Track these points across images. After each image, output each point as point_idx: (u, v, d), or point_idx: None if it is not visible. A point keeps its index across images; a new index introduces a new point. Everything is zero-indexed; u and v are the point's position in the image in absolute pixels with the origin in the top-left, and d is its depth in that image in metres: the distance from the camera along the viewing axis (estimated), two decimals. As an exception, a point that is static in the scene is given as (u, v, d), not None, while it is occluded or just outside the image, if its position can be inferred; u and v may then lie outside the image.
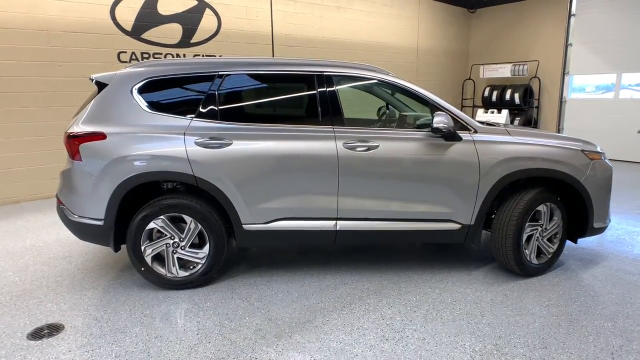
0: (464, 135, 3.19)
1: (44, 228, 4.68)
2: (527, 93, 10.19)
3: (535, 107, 10.35)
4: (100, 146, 2.99)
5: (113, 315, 2.84)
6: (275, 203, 3.11)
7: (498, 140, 3.23)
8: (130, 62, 6.41)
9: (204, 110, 3.10)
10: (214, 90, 3.13)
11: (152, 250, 3.09)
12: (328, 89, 3.19)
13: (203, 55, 7.07)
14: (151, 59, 6.59)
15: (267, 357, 2.36)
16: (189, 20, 6.86)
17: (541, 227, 3.32)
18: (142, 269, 3.11)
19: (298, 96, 3.39)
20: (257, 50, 7.64)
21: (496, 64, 10.74)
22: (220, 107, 3.13)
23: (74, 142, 3.01)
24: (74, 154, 3.03)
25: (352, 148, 3.10)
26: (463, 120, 3.24)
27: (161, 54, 6.71)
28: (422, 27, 10.40)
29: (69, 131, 3.07)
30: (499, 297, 3.03)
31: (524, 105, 10.13)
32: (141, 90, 3.11)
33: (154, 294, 3.12)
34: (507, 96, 10.31)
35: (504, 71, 10.56)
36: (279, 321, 2.74)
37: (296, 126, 3.14)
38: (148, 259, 3.10)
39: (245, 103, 3.35)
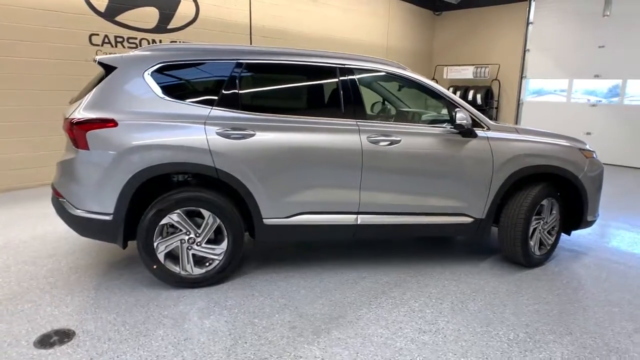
0: (478, 132, 3.30)
1: (15, 223, 4.22)
2: (488, 94, 10.75)
3: (495, 108, 10.95)
4: (111, 134, 2.74)
5: (128, 318, 2.62)
6: (298, 197, 3.03)
7: (509, 137, 3.37)
8: (102, 45, 5.95)
9: (224, 99, 2.94)
10: (235, 79, 2.98)
11: (166, 246, 2.90)
12: (351, 82, 3.15)
13: (180, 42, 6.73)
14: (125, 43, 6.17)
15: (312, 355, 2.30)
16: (167, 4, 6.48)
17: (543, 220, 3.51)
18: (154, 267, 2.90)
19: (320, 88, 3.31)
20: (235, 40, 7.40)
21: (459, 65, 11.22)
22: (241, 97, 2.98)
23: (80, 129, 2.74)
24: (79, 142, 2.75)
25: (376, 142, 3.09)
26: (477, 118, 3.35)
27: (136, 38, 6.28)
28: (392, 27, 10.61)
29: (71, 117, 2.78)
30: (513, 287, 3.17)
31: (485, 105, 10.67)
32: (155, 75, 2.89)
33: (166, 293, 2.93)
34: (470, 97, 10.81)
35: (466, 73, 11.05)
36: (311, 317, 2.67)
37: (321, 118, 3.07)
38: (161, 256, 2.89)
39: (267, 93, 3.23)
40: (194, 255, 2.96)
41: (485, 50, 10.95)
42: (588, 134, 9.64)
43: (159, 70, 2.91)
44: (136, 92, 2.85)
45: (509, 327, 2.62)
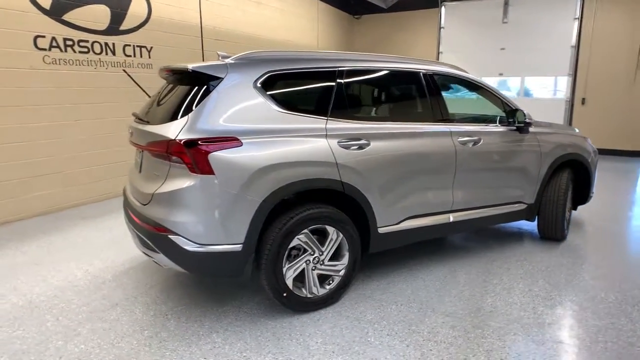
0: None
1: (7, 273, 3.33)
2: (410, 93, 11.83)
3: (416, 105, 12.10)
4: (238, 154, 2.43)
5: (289, 355, 2.38)
6: (406, 202, 3.08)
7: (548, 131, 3.92)
8: (50, 49, 4.95)
9: (335, 109, 2.83)
10: (341, 87, 2.88)
11: (294, 271, 2.69)
12: (435, 86, 3.31)
13: (134, 46, 5.96)
14: (76, 46, 5.23)
15: (499, 346, 2.43)
16: (118, 2, 5.67)
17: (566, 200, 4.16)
18: (284, 295, 2.66)
19: (414, 93, 3.36)
20: (189, 42, 6.85)
21: (383, 66, 12.05)
22: (350, 106, 2.91)
23: (199, 151, 2.37)
24: (199, 166, 2.37)
25: (464, 143, 3.31)
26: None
27: (87, 41, 5.37)
28: (321, 29, 10.90)
29: (181, 138, 2.38)
30: (567, 259, 3.69)
31: (409, 103, 11.71)
32: (265, 86, 2.64)
33: (295, 319, 2.72)
34: (395, 95, 11.74)
35: (389, 73, 11.94)
36: (456, 315, 2.78)
37: (422, 124, 3.17)
38: (289, 282, 2.68)
39: (370, 101, 3.18)
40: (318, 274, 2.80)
41: (404, 52, 11.94)
42: (495, 123, 11.28)
43: (267, 81, 2.66)
44: (250, 105, 2.57)
45: (608, 292, 3.08)
